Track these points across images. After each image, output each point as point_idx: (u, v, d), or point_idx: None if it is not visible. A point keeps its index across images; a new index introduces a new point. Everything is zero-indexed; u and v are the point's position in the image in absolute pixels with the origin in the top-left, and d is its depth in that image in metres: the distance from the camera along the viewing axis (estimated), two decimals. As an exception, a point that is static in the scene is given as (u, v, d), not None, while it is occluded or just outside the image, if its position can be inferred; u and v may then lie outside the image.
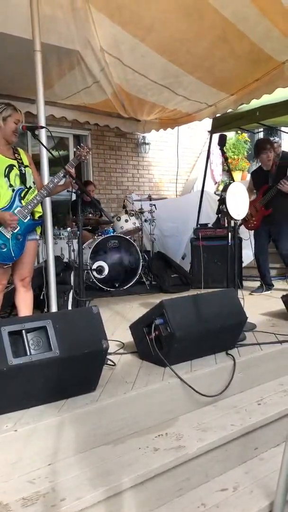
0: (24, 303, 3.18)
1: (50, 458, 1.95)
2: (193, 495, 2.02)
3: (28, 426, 1.94)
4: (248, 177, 9.31)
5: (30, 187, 3.09)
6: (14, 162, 3.03)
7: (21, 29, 3.87)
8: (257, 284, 5.22)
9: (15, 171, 3.00)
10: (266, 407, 2.52)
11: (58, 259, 4.66)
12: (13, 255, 2.95)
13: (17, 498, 1.72)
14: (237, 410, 2.48)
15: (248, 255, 6.14)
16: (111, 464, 1.94)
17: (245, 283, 5.55)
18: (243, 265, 5.85)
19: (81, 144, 3.35)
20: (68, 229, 5.47)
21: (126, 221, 5.92)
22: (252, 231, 5.17)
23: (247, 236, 5.04)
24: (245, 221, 4.96)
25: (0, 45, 4.33)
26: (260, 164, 5.09)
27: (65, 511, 1.66)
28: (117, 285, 5.58)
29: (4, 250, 2.91)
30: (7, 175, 2.96)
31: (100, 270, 5.15)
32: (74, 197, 3.51)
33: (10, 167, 2.99)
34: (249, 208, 4.69)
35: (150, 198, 6.33)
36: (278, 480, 1.83)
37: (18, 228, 2.96)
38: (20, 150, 3.17)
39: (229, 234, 3.42)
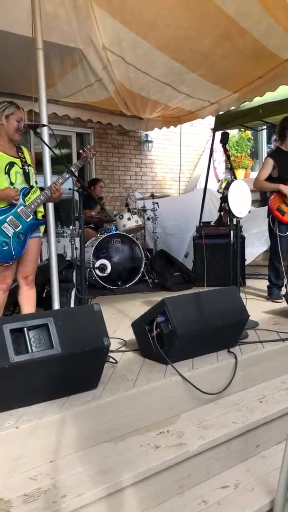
0: (27, 301, 3.18)
1: (51, 455, 1.96)
2: (194, 492, 2.03)
3: (29, 423, 1.95)
4: (252, 175, 9.33)
5: (32, 186, 3.09)
6: (17, 160, 3.03)
7: (23, 27, 3.86)
8: (261, 282, 5.17)
9: (15, 169, 3.00)
10: (267, 405, 2.53)
11: (60, 257, 4.67)
12: (13, 253, 2.95)
13: (18, 495, 1.72)
14: (238, 407, 2.49)
15: (251, 253, 6.14)
16: (112, 461, 1.95)
17: (248, 281, 5.54)
18: (246, 263, 5.84)
19: (88, 146, 3.35)
20: (71, 227, 5.48)
21: (129, 219, 5.92)
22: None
23: (285, 231, 4.49)
24: (282, 214, 4.46)
25: (2, 43, 4.34)
26: (278, 146, 4.61)
27: (66, 508, 1.66)
28: (119, 283, 5.59)
29: (5, 248, 2.91)
30: (7, 172, 2.96)
31: (102, 268, 5.16)
32: (76, 195, 3.51)
33: (11, 164, 2.98)
34: (286, 198, 4.37)
35: (153, 196, 6.33)
36: (279, 477, 1.83)
37: (20, 227, 2.97)
38: (24, 149, 3.17)
39: (231, 232, 3.41)
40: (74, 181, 3.22)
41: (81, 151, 3.31)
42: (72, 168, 3.14)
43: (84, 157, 3.25)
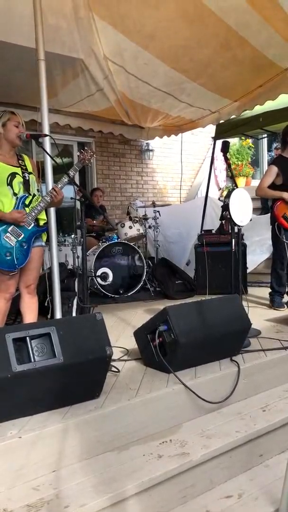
0: (29, 310, 3.18)
1: (54, 464, 1.96)
2: (197, 502, 2.02)
3: (32, 433, 1.95)
4: (253, 183, 9.36)
5: (34, 195, 3.09)
6: (18, 170, 3.04)
7: (25, 38, 3.92)
8: (263, 290, 5.16)
9: (18, 179, 3.00)
10: (271, 414, 2.52)
11: (62, 265, 4.68)
12: (16, 263, 2.95)
13: (21, 505, 1.72)
14: (241, 416, 2.48)
15: (252, 261, 6.15)
16: (115, 471, 1.94)
17: (250, 289, 5.54)
18: (248, 271, 5.84)
19: (85, 148, 3.37)
20: (73, 235, 5.49)
21: (130, 227, 5.93)
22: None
23: None
24: (286, 221, 4.44)
25: (5, 54, 4.38)
26: (281, 154, 4.61)
27: (69, 518, 1.66)
28: (121, 291, 5.59)
29: (9, 257, 2.91)
30: (9, 184, 2.96)
31: (104, 276, 5.16)
32: (78, 204, 3.53)
33: (13, 175, 2.99)
34: None
35: (154, 205, 6.35)
36: (283, 487, 1.82)
37: (23, 235, 2.97)
38: (25, 157, 3.17)
39: (233, 240, 3.42)
40: (76, 190, 3.23)
41: (78, 153, 3.31)
42: (70, 172, 3.14)
43: (82, 159, 3.24)
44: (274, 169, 4.48)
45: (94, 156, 3.44)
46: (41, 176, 3.42)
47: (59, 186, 3.08)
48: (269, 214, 4.67)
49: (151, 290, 5.70)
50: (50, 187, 3.47)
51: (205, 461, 2.10)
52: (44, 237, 3.23)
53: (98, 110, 6.12)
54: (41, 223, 3.10)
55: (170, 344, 2.61)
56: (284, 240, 4.42)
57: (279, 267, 4.58)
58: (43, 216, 3.11)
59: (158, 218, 6.18)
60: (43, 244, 3.21)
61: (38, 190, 3.16)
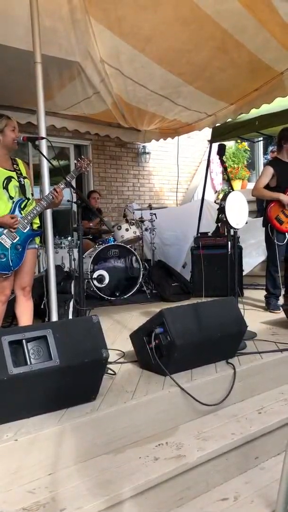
0: (25, 312, 3.18)
1: (50, 467, 1.95)
2: (193, 504, 2.02)
3: (28, 436, 1.94)
4: (249, 185, 9.37)
5: (29, 199, 3.11)
6: (13, 174, 3.05)
7: (22, 41, 3.92)
8: (259, 293, 5.17)
9: (13, 183, 3.02)
10: (266, 416, 2.52)
11: (58, 268, 4.67)
12: (11, 264, 2.96)
13: (17, 508, 1.71)
14: (237, 419, 2.48)
15: (248, 263, 6.16)
16: (111, 474, 1.94)
17: (246, 292, 5.55)
18: (244, 273, 5.85)
19: (82, 156, 3.39)
20: (69, 238, 5.49)
21: (127, 230, 5.94)
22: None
23: (282, 240, 4.52)
24: (280, 223, 4.47)
25: (2, 57, 4.38)
26: (277, 156, 4.66)
27: (65, 521, 1.66)
28: (117, 294, 5.59)
29: (3, 259, 2.92)
30: (5, 187, 2.98)
31: (100, 279, 5.16)
32: (75, 207, 3.54)
33: (9, 178, 3.00)
34: (284, 208, 4.42)
35: (150, 207, 6.36)
36: (278, 489, 1.82)
37: (18, 238, 2.98)
38: (19, 161, 3.19)
39: (229, 242, 3.43)
40: (73, 193, 3.25)
41: (75, 161, 3.34)
42: (67, 178, 3.15)
43: (78, 167, 3.27)
44: (270, 169, 4.51)
45: (91, 164, 3.45)
46: (38, 178, 3.42)
47: (61, 187, 3.11)
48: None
49: (148, 293, 5.71)
50: (46, 189, 3.47)
51: (201, 463, 2.10)
52: (38, 240, 3.25)
53: (95, 113, 6.13)
54: (35, 226, 3.12)
55: (166, 347, 2.61)
56: (276, 241, 4.45)
57: (273, 269, 4.59)
58: (36, 220, 3.13)
59: (154, 220, 6.19)
60: (37, 246, 3.22)
61: (32, 194, 3.17)
